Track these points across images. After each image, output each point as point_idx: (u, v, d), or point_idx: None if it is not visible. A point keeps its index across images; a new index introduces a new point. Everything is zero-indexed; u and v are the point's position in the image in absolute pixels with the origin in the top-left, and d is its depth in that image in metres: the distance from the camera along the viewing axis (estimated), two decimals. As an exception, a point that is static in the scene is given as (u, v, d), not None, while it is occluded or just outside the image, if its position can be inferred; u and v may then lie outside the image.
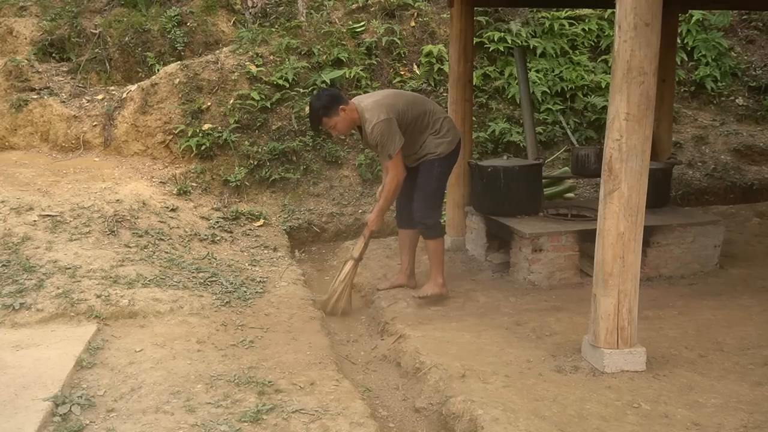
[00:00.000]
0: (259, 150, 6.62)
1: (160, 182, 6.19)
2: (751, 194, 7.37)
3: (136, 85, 6.98)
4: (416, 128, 4.35)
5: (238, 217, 5.95)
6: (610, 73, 3.87)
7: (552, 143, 7.51)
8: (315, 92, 4.51)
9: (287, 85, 6.92)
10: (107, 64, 7.51)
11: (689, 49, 8.27)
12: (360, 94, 7.04)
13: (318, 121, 4.26)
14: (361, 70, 7.18)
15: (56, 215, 5.12)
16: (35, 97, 6.80)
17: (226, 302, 4.35)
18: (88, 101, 6.90)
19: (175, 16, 7.76)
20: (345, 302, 4.54)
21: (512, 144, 7.10)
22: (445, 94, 7.10)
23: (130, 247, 4.93)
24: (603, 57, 8.04)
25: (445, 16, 7.77)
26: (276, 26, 7.66)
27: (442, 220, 5.00)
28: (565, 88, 7.73)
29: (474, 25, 5.81)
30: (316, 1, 8.08)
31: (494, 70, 7.70)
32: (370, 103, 4.26)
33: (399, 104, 4.29)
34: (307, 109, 4.38)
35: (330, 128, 4.29)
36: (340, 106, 4.20)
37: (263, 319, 4.18)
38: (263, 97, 6.82)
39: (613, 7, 3.20)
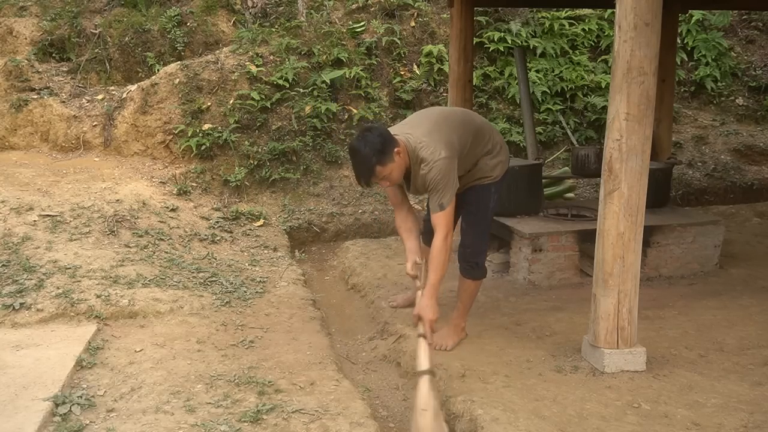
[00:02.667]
0: (259, 150, 6.62)
1: (160, 182, 6.19)
2: (751, 194, 7.38)
3: (136, 85, 6.99)
4: (470, 152, 3.59)
5: (238, 217, 5.95)
6: (610, 73, 3.86)
7: (552, 143, 7.51)
8: (358, 135, 3.39)
9: (287, 85, 6.92)
10: (107, 64, 7.51)
11: (689, 49, 8.28)
12: (361, 95, 7.11)
13: (371, 172, 3.28)
14: (361, 70, 7.18)
15: (56, 215, 5.12)
16: (35, 97, 6.80)
17: (226, 302, 4.35)
18: (88, 101, 6.90)
19: (175, 16, 7.76)
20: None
21: (512, 144, 7.10)
22: (445, 94, 7.11)
23: (130, 247, 4.94)
24: (603, 57, 8.05)
25: (445, 16, 7.77)
26: (276, 26, 7.66)
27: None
28: (565, 88, 7.73)
29: (474, 25, 5.81)
30: (316, 1, 8.08)
31: (494, 70, 7.70)
32: (421, 137, 3.39)
33: (454, 136, 3.47)
34: (351, 157, 3.40)
35: (383, 179, 3.36)
36: (395, 149, 3.31)
37: (263, 319, 4.18)
38: (263, 97, 6.82)
39: (613, 7, 3.20)
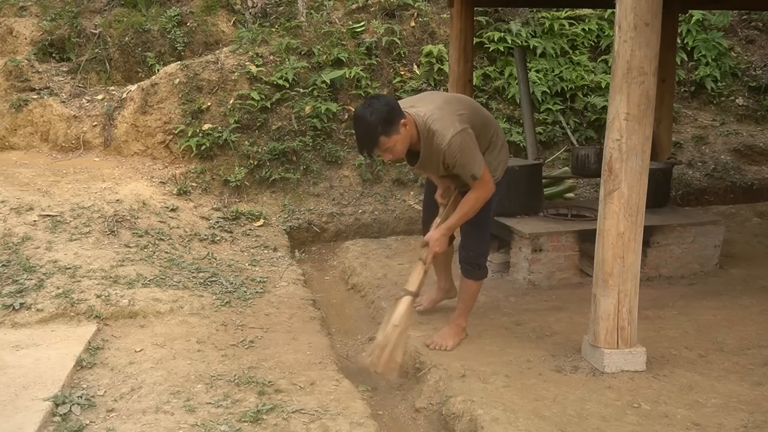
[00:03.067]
0: (259, 150, 6.62)
1: (160, 182, 6.19)
2: (751, 194, 7.38)
3: (136, 85, 6.99)
4: (477, 139, 3.43)
5: (238, 217, 5.96)
6: (610, 73, 3.86)
7: (552, 143, 7.51)
8: (365, 102, 3.25)
9: (287, 85, 6.92)
10: (107, 64, 7.51)
11: (689, 49, 8.27)
12: (361, 95, 7.11)
13: (374, 142, 3.17)
14: (361, 70, 7.18)
15: (56, 215, 5.12)
16: (35, 97, 6.80)
17: (226, 302, 4.35)
18: (88, 101, 6.91)
19: (175, 16, 7.76)
20: (401, 355, 3.38)
21: (512, 144, 7.09)
22: (445, 94, 7.10)
23: (130, 247, 4.94)
24: (603, 57, 8.05)
25: (445, 16, 7.77)
26: (276, 26, 7.66)
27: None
28: (565, 88, 7.73)
29: (474, 25, 5.81)
30: (316, 1, 8.08)
31: (494, 70, 7.70)
32: (433, 112, 3.26)
33: (467, 112, 3.36)
34: (355, 124, 3.27)
35: (386, 150, 3.23)
36: (401, 120, 3.18)
37: (263, 319, 4.18)
38: (263, 97, 6.82)
39: (613, 7, 3.20)
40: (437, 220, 3.53)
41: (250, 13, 8.01)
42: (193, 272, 4.74)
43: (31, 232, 4.83)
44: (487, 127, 3.54)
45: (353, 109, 7.01)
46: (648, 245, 4.70)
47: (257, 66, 6.98)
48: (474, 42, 5.97)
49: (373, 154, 3.30)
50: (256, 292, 4.59)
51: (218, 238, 5.53)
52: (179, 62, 7.09)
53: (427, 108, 3.29)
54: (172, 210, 5.70)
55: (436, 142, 3.24)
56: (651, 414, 2.99)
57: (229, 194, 6.36)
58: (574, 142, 7.47)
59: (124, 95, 6.89)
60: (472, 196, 3.36)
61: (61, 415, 2.96)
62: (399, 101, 3.43)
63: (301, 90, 6.96)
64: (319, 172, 6.72)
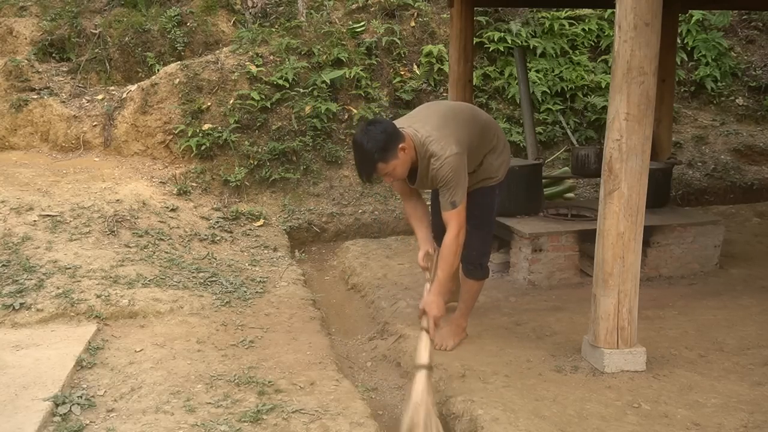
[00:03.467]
0: (259, 150, 6.62)
1: (160, 182, 6.19)
2: (751, 194, 7.38)
3: (136, 85, 6.99)
4: (477, 150, 3.51)
5: (238, 217, 5.96)
6: (610, 73, 3.86)
7: (552, 143, 7.51)
8: (362, 128, 3.30)
9: (287, 85, 6.92)
10: (107, 64, 7.51)
11: (689, 49, 8.28)
12: (361, 95, 7.11)
13: (372, 169, 3.22)
14: (361, 70, 7.18)
15: (56, 215, 5.12)
16: (35, 97, 6.80)
17: (226, 302, 4.35)
18: (88, 101, 6.91)
19: (175, 16, 7.76)
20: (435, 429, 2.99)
21: (512, 144, 7.09)
22: (445, 94, 7.11)
23: (130, 247, 4.94)
24: (603, 57, 8.05)
25: (445, 16, 7.77)
26: (276, 26, 7.66)
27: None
28: (565, 88, 7.73)
29: (474, 25, 5.81)
30: (316, 1, 8.08)
31: (494, 70, 7.70)
32: (431, 132, 3.30)
33: (463, 132, 3.40)
34: (354, 151, 3.32)
35: (385, 175, 3.29)
36: (400, 145, 3.22)
37: (263, 319, 4.17)
38: (263, 97, 6.82)
39: (613, 7, 3.20)
40: (427, 285, 3.39)
41: (250, 13, 8.01)
42: (193, 272, 4.74)
43: (31, 232, 4.83)
44: (486, 132, 3.56)
45: (353, 110, 7.02)
46: (648, 245, 4.70)
47: (257, 66, 6.98)
48: (474, 42, 5.97)
49: (372, 178, 3.34)
50: (256, 292, 4.59)
51: (218, 238, 5.53)
52: (179, 62, 7.09)
53: (425, 129, 3.32)
54: (172, 210, 5.70)
55: (431, 163, 3.29)
56: (651, 414, 2.99)
57: (229, 194, 6.36)
58: (574, 142, 7.47)
59: (124, 95, 6.89)
60: (448, 238, 3.34)
61: (61, 415, 2.96)
62: (398, 119, 3.48)
63: (301, 90, 6.96)
64: (319, 172, 6.72)
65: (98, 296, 4.14)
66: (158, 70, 7.17)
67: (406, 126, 3.36)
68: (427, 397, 2.98)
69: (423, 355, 3.07)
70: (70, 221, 5.09)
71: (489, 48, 7.70)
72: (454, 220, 3.33)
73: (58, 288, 4.19)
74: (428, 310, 3.22)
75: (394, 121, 3.42)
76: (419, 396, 2.97)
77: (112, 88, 7.20)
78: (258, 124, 6.75)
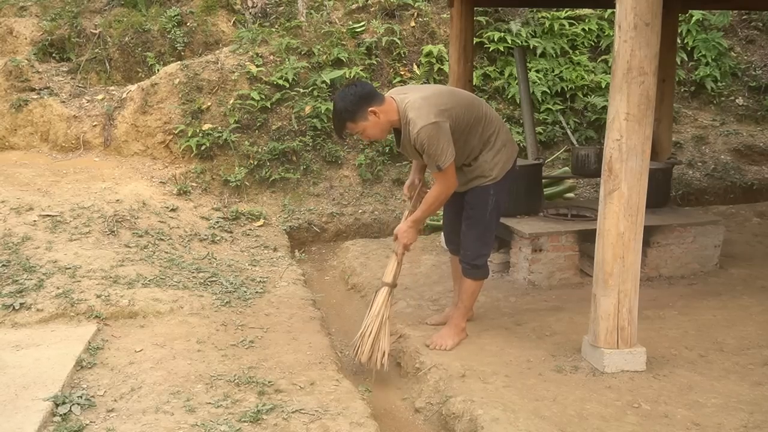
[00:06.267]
0: (259, 150, 6.62)
1: (160, 182, 6.19)
2: (751, 194, 7.38)
3: (136, 85, 6.99)
4: (468, 140, 3.54)
5: (238, 217, 5.96)
6: (610, 73, 3.87)
7: (552, 143, 7.51)
8: (342, 88, 3.47)
9: (287, 85, 6.92)
10: (107, 64, 7.51)
11: (689, 49, 8.28)
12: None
13: (342, 126, 3.44)
14: (361, 70, 7.18)
15: (56, 215, 5.12)
16: (35, 97, 6.80)
17: (226, 302, 4.35)
18: (88, 101, 6.91)
19: (175, 16, 7.76)
20: (384, 343, 3.54)
21: (512, 144, 7.09)
22: (445, 94, 7.10)
23: (130, 247, 4.94)
24: (603, 57, 8.05)
25: (445, 16, 7.77)
26: (276, 26, 7.66)
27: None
28: (565, 88, 7.74)
29: (474, 25, 5.81)
30: (316, 1, 8.08)
31: (494, 70, 7.70)
32: (416, 100, 3.39)
33: (454, 107, 3.44)
34: (333, 107, 3.51)
35: (357, 133, 3.50)
36: (369, 108, 3.36)
37: (263, 319, 4.17)
38: (263, 97, 6.82)
39: (613, 7, 3.20)
40: (405, 212, 3.72)
41: (250, 13, 8.01)
42: (193, 272, 4.74)
43: (31, 232, 4.83)
44: (479, 125, 3.56)
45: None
46: (648, 245, 4.70)
47: (257, 66, 6.98)
48: (474, 42, 5.97)
49: (344, 135, 3.62)
50: (256, 292, 4.59)
51: (218, 238, 5.53)
52: (179, 62, 7.09)
53: (414, 96, 3.43)
54: (172, 210, 5.70)
55: (409, 129, 3.39)
56: (651, 414, 2.99)
57: (229, 194, 6.36)
58: (574, 142, 7.47)
59: (124, 95, 6.89)
60: (433, 191, 3.50)
61: (61, 415, 2.96)
62: (394, 89, 3.63)
63: (301, 90, 6.96)
64: (319, 172, 6.72)
65: (98, 296, 4.14)
66: (158, 70, 7.17)
67: (397, 93, 3.50)
68: (384, 310, 3.52)
69: (388, 275, 3.60)
70: (70, 221, 5.09)
71: (489, 48, 7.70)
72: (440, 178, 3.45)
73: (58, 288, 4.19)
74: (400, 237, 3.59)
75: (395, 90, 3.58)
76: (378, 308, 3.51)
77: (112, 88, 7.20)
78: (258, 124, 6.75)
